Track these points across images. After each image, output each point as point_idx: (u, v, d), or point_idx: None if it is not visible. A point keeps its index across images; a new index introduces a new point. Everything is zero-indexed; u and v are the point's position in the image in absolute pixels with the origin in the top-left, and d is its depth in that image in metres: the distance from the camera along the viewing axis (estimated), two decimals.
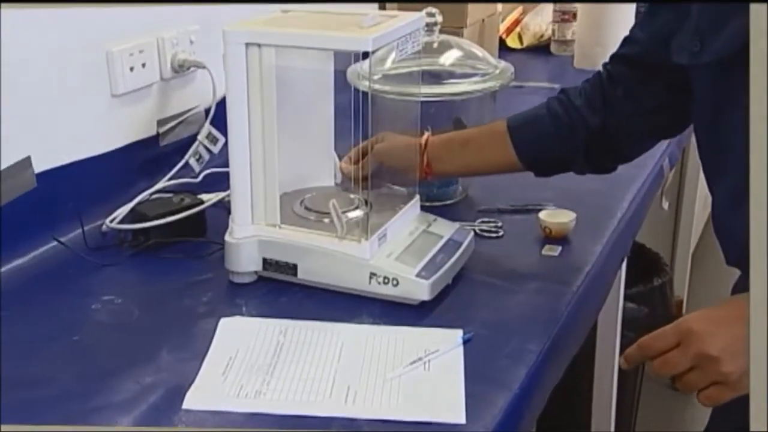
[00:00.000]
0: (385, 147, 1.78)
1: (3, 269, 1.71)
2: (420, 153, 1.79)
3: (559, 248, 1.81)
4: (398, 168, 1.82)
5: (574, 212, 1.86)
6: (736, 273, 1.61)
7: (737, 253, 1.50)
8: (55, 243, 1.79)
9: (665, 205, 3.50)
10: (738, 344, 1.26)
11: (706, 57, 1.42)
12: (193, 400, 1.33)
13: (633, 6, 3.09)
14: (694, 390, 1.32)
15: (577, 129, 1.71)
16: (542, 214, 1.85)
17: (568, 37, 3.40)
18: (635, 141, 1.74)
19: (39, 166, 1.78)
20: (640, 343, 1.36)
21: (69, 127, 1.86)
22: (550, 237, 1.83)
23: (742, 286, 1.61)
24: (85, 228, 1.82)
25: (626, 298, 2.62)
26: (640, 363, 1.38)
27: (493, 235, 1.87)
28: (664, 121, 1.69)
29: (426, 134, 1.78)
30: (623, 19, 3.06)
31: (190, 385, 1.36)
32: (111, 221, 1.87)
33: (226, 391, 1.35)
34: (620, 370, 2.64)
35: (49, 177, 1.81)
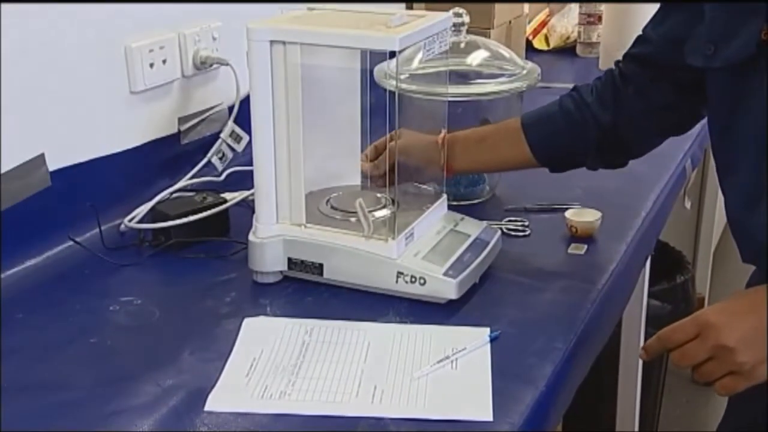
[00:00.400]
0: (402, 144, 1.78)
1: (17, 270, 1.70)
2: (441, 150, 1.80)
3: (585, 247, 1.80)
4: (415, 165, 1.81)
5: (599, 211, 1.85)
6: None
7: (753, 251, 1.52)
8: (71, 243, 1.77)
9: (688, 204, 3.50)
10: (753, 335, 1.30)
11: (718, 62, 1.44)
12: (215, 402, 1.32)
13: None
14: (710, 379, 1.35)
15: (589, 125, 1.73)
16: (568, 213, 1.85)
17: (594, 39, 3.41)
18: (645, 138, 1.77)
19: (55, 164, 1.77)
20: (659, 335, 1.39)
21: (86, 124, 1.85)
22: (576, 236, 1.82)
23: (756, 280, 1.61)
24: (103, 228, 1.81)
25: (650, 295, 2.63)
26: (659, 354, 1.41)
27: (520, 233, 1.86)
28: (674, 119, 1.72)
29: (443, 132, 1.77)
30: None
31: (212, 386, 1.35)
32: (130, 221, 1.86)
33: (250, 392, 1.34)
34: (644, 366, 2.64)
35: (66, 175, 1.80)
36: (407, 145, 1.80)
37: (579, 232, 1.82)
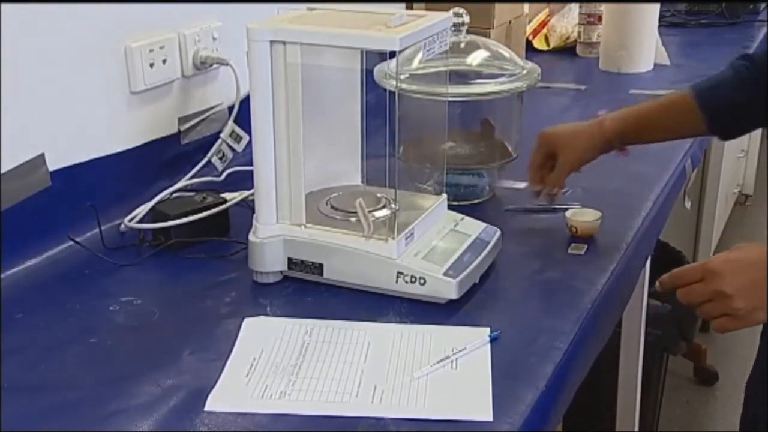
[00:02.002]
0: (557, 136, 1.86)
1: (17, 270, 1.70)
2: (602, 136, 1.85)
3: (585, 247, 1.80)
4: (567, 153, 1.86)
5: (599, 211, 1.85)
6: None
7: None
8: (71, 243, 1.77)
9: (688, 204, 3.51)
10: (750, 285, 1.45)
11: None
12: (215, 402, 1.32)
13: (657, 10, 3.10)
14: (709, 317, 1.50)
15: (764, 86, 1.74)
16: (569, 213, 1.85)
17: (594, 39, 3.41)
18: None
19: (55, 165, 1.77)
20: (673, 273, 1.54)
21: (85, 124, 1.85)
22: (577, 236, 1.82)
23: None
24: (103, 228, 1.80)
25: (650, 295, 2.63)
26: (671, 289, 1.54)
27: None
28: None
29: (601, 115, 1.83)
30: (647, 23, 3.08)
31: (212, 386, 1.35)
32: (130, 220, 1.86)
33: (249, 392, 1.34)
34: (644, 366, 2.64)
35: (65, 175, 1.80)
36: (564, 143, 1.86)
37: (579, 231, 1.82)
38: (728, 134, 1.86)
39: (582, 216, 1.85)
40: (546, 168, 1.89)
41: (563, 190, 1.95)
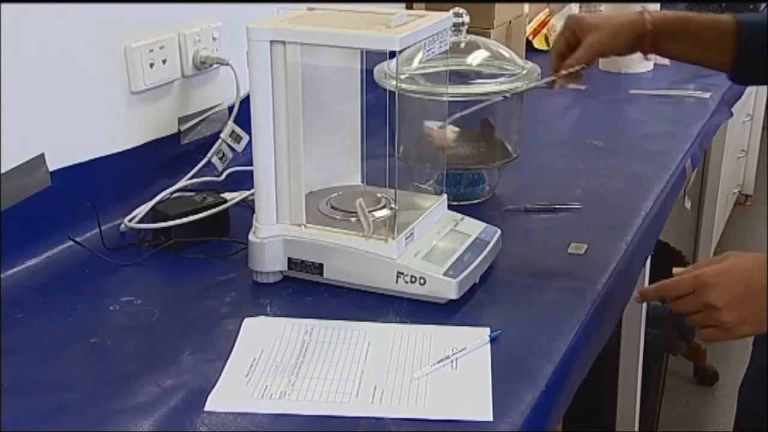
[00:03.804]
0: (595, 21, 1.73)
1: (17, 270, 1.70)
2: (646, 30, 1.72)
3: (585, 247, 1.80)
4: (599, 33, 1.72)
5: (457, 127, 1.80)
6: None
7: None
8: (71, 243, 1.77)
9: (688, 204, 3.51)
10: (739, 300, 1.45)
11: None
12: (215, 402, 1.32)
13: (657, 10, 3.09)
14: (698, 326, 1.51)
15: None
16: (428, 123, 1.79)
17: None
18: None
19: (55, 164, 1.77)
20: (659, 287, 1.54)
21: (85, 124, 1.85)
22: (434, 146, 1.76)
23: None
24: (103, 228, 1.80)
25: None
26: (653, 300, 1.58)
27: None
28: None
29: (645, 12, 1.72)
30: None
31: (212, 386, 1.35)
32: (130, 220, 1.86)
33: (250, 392, 1.34)
34: (644, 366, 2.64)
35: (65, 175, 1.80)
36: (597, 23, 1.73)
37: (437, 142, 1.76)
38: (743, 81, 1.82)
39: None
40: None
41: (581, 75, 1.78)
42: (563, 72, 1.73)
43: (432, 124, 1.69)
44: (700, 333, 1.51)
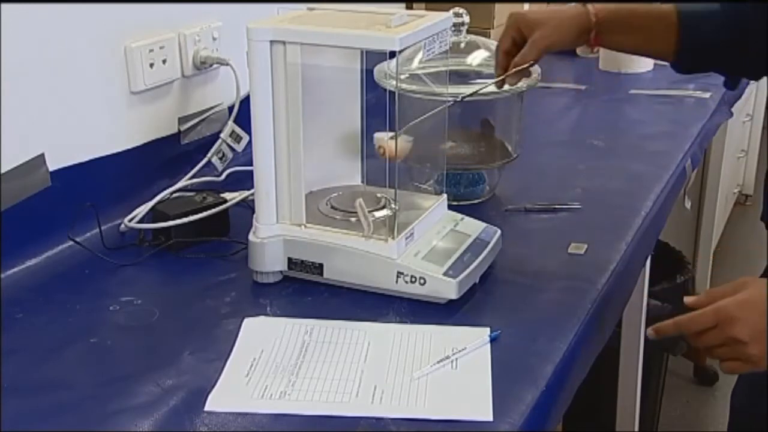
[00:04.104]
0: (536, 17, 1.70)
1: (17, 270, 1.70)
2: (590, 23, 1.70)
3: (585, 247, 1.79)
4: (544, 29, 1.70)
5: (411, 137, 1.77)
6: (756, 272, 1.66)
7: None
8: (71, 243, 1.77)
9: (688, 204, 3.51)
10: (764, 332, 1.38)
11: None
12: (215, 402, 1.32)
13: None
14: (720, 359, 1.45)
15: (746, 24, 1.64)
16: (378, 134, 1.73)
17: None
18: None
19: (55, 164, 1.77)
20: (678, 322, 1.46)
21: (86, 124, 1.85)
22: (384, 156, 1.70)
23: None
24: (103, 228, 1.80)
25: (650, 295, 2.63)
26: (673, 335, 1.48)
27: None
28: None
29: (589, 5, 1.70)
30: None
31: (212, 386, 1.35)
32: (130, 220, 1.86)
33: (249, 392, 1.34)
34: (644, 366, 2.64)
35: (65, 175, 1.80)
36: (540, 19, 1.71)
37: (387, 152, 1.70)
38: (687, 70, 1.75)
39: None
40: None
41: (531, 72, 1.78)
42: (512, 71, 1.70)
43: (383, 135, 1.68)
44: (722, 366, 1.45)
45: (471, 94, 1.72)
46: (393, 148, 1.66)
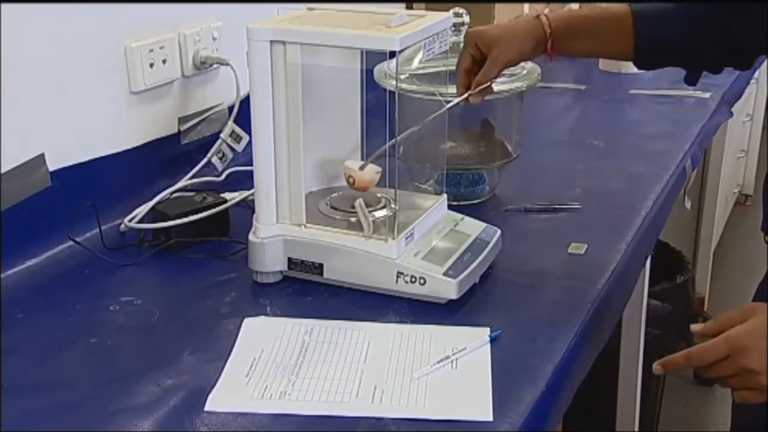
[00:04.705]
0: (482, 29, 1.72)
1: (17, 270, 1.70)
2: (545, 33, 1.72)
3: (585, 247, 1.80)
4: (503, 45, 1.72)
5: (380, 167, 1.72)
6: (756, 272, 1.66)
7: None
8: (71, 243, 1.77)
9: (688, 204, 3.51)
10: None
11: None
12: (215, 402, 1.32)
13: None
14: (732, 388, 1.43)
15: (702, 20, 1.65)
16: (348, 162, 1.71)
17: None
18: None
19: (55, 164, 1.77)
20: (690, 354, 1.43)
21: (86, 124, 1.85)
22: (354, 186, 1.70)
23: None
24: (103, 228, 1.80)
25: (650, 295, 2.64)
26: (681, 369, 1.48)
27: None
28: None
29: (541, 16, 1.72)
30: None
31: (212, 386, 1.35)
32: (130, 220, 1.85)
33: (249, 392, 1.34)
34: (644, 366, 2.64)
35: (65, 175, 1.80)
36: (496, 35, 1.73)
37: (356, 183, 1.70)
38: (648, 67, 1.76)
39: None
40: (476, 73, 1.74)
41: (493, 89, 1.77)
42: (476, 89, 1.70)
43: (352, 164, 1.68)
44: (735, 395, 1.45)
45: (440, 112, 1.70)
46: (362, 177, 1.67)
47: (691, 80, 1.74)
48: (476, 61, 1.72)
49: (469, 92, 1.70)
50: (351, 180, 1.68)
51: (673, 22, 1.66)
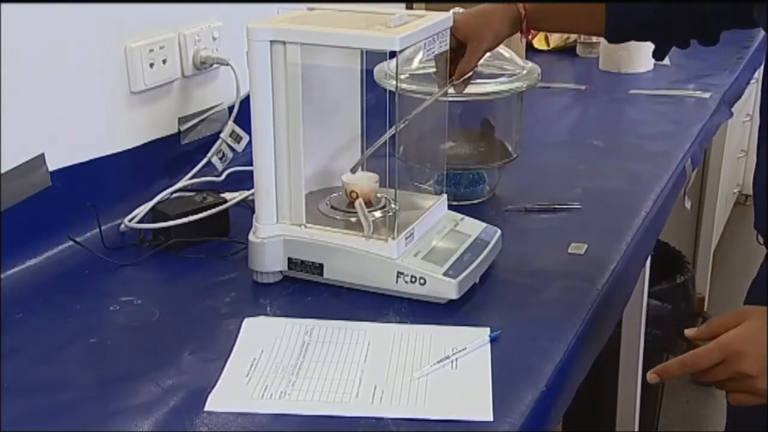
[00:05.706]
0: (457, 19, 1.74)
1: (17, 270, 1.70)
2: (521, 15, 1.76)
3: (585, 247, 1.79)
4: (481, 32, 1.76)
5: (376, 174, 1.74)
6: (756, 269, 1.68)
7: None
8: (71, 243, 1.77)
9: (688, 204, 3.51)
10: None
11: None
12: (215, 402, 1.32)
13: None
14: (728, 392, 1.45)
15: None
16: (345, 177, 1.72)
17: (594, 39, 3.39)
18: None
19: (55, 164, 1.77)
20: (684, 361, 1.43)
21: (86, 124, 1.85)
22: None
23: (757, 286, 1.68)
24: (103, 228, 1.80)
25: (650, 295, 2.63)
26: (678, 376, 1.47)
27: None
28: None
29: (519, 7, 1.76)
30: None
31: (212, 386, 1.35)
32: (130, 220, 1.85)
33: (250, 392, 1.34)
34: (644, 366, 2.64)
35: (65, 175, 1.80)
36: (473, 22, 1.76)
37: (360, 197, 1.69)
38: (618, 42, 1.86)
39: (359, 180, 1.72)
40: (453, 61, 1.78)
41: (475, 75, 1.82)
42: (461, 79, 1.74)
43: (350, 179, 1.68)
44: (730, 398, 1.45)
45: (426, 105, 1.71)
46: (363, 189, 1.69)
47: (659, 56, 1.82)
48: (453, 50, 1.74)
49: (453, 82, 1.74)
50: (354, 195, 1.68)
51: (644, 5, 1.72)
